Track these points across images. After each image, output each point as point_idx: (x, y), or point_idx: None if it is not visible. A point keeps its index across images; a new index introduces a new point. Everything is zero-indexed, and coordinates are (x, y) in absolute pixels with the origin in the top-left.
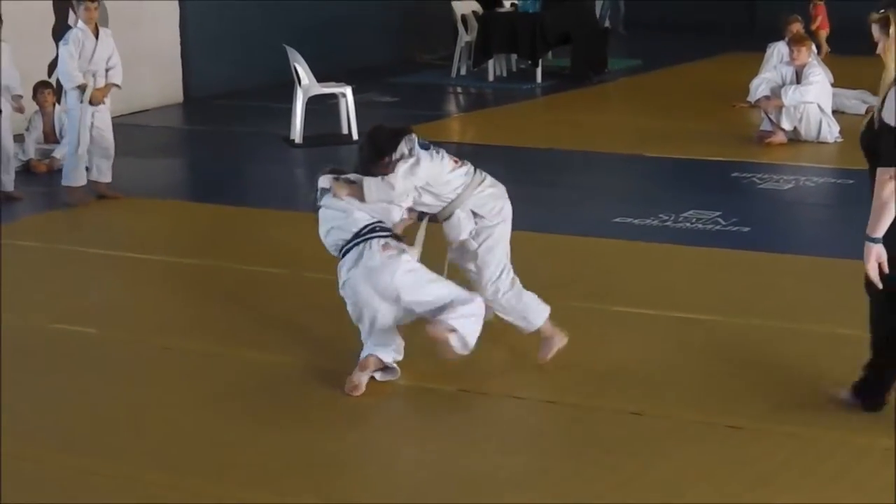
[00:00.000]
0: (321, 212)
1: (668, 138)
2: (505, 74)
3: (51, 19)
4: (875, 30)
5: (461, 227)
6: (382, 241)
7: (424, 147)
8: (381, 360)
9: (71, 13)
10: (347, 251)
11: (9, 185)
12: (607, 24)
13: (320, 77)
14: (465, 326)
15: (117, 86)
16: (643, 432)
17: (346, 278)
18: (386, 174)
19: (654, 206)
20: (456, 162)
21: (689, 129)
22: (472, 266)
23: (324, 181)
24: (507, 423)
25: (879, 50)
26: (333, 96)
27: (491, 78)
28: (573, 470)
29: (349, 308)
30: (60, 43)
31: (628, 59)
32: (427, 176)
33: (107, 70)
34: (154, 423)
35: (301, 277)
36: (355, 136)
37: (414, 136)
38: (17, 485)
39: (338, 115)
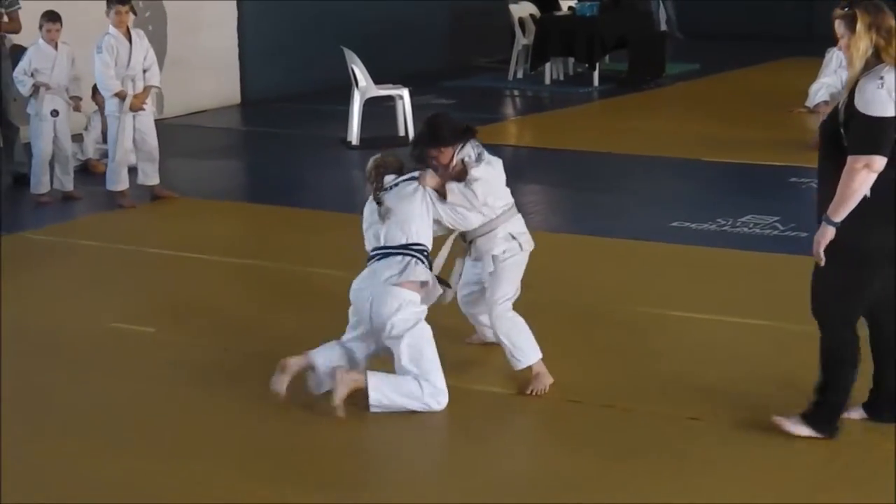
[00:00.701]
0: (371, 205)
1: (726, 143)
2: (562, 78)
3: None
4: (839, 26)
5: (496, 244)
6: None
7: (484, 157)
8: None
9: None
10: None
11: (68, 184)
12: (664, 27)
13: (377, 80)
14: (387, 401)
15: (156, 87)
16: (701, 438)
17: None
18: (438, 165)
19: (711, 211)
20: None
21: (746, 134)
22: (485, 282)
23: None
24: (564, 426)
25: (841, 45)
26: (390, 98)
27: (548, 81)
28: (630, 475)
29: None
30: (94, 51)
31: (685, 64)
32: (488, 191)
33: (143, 71)
34: (212, 424)
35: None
36: (412, 138)
37: (478, 140)
38: (76, 483)
39: (395, 118)
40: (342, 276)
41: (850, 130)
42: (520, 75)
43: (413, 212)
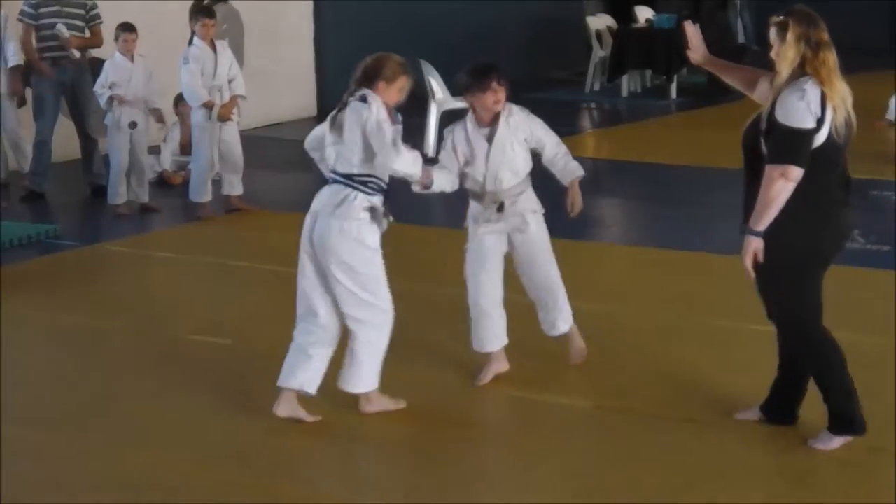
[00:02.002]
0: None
1: None
2: (639, 90)
3: (188, 32)
4: (772, 33)
5: (535, 202)
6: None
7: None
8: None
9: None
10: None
11: (143, 196)
12: (742, 40)
13: (453, 92)
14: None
15: (242, 97)
16: (781, 452)
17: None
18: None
19: None
20: None
21: None
22: (519, 248)
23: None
24: (643, 441)
25: (773, 53)
26: (467, 111)
27: (625, 94)
28: (709, 490)
29: None
30: (181, 62)
31: None
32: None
33: (228, 82)
34: (292, 434)
35: (434, 292)
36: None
37: None
38: (152, 496)
39: None
40: (418, 288)
41: (769, 140)
42: (597, 88)
43: (354, 136)
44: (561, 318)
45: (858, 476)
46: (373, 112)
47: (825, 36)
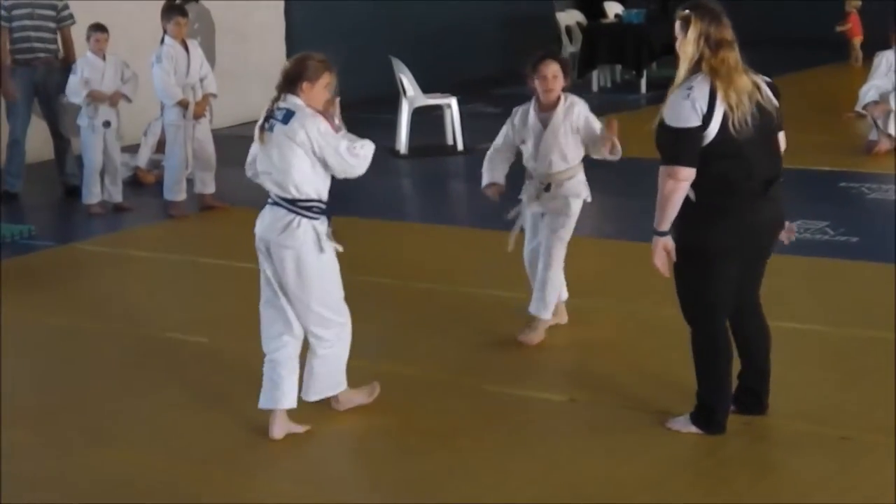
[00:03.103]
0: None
1: None
2: (609, 85)
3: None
4: (676, 27)
5: (583, 188)
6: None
7: None
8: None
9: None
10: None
11: (116, 195)
12: None
13: (425, 89)
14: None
15: (214, 95)
16: (755, 443)
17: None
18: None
19: None
20: None
21: (796, 140)
22: (550, 224)
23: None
24: (618, 433)
25: (677, 47)
26: (438, 108)
27: (595, 89)
28: (685, 481)
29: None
30: (153, 62)
31: None
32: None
33: (200, 81)
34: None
35: (408, 288)
36: (460, 147)
37: None
38: (129, 495)
39: (443, 127)
40: (392, 284)
41: (657, 140)
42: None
43: (288, 155)
44: (534, 300)
45: (831, 465)
46: (311, 132)
47: (728, 34)
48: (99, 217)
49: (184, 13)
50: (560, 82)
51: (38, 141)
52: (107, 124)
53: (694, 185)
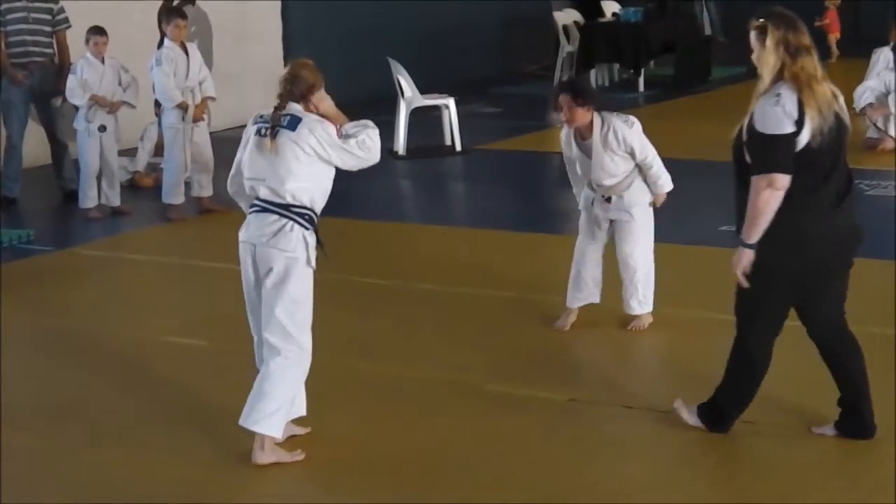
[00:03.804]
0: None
1: None
2: (607, 84)
3: (156, 35)
4: (752, 37)
5: (644, 194)
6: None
7: None
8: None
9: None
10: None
11: (114, 199)
12: (709, 31)
13: (423, 89)
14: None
15: (212, 98)
16: (758, 442)
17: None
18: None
19: None
20: None
21: None
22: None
23: None
24: (618, 432)
25: (754, 58)
26: (436, 108)
27: (593, 88)
28: (687, 479)
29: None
30: (152, 64)
31: (731, 68)
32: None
33: (199, 84)
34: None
35: (407, 288)
36: (459, 148)
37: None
38: (128, 497)
39: (441, 127)
40: (391, 284)
41: (750, 150)
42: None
43: (292, 162)
44: (634, 299)
45: (831, 463)
46: (321, 138)
47: (805, 40)
48: (97, 221)
49: (183, 16)
50: (579, 110)
51: (35, 145)
52: (102, 128)
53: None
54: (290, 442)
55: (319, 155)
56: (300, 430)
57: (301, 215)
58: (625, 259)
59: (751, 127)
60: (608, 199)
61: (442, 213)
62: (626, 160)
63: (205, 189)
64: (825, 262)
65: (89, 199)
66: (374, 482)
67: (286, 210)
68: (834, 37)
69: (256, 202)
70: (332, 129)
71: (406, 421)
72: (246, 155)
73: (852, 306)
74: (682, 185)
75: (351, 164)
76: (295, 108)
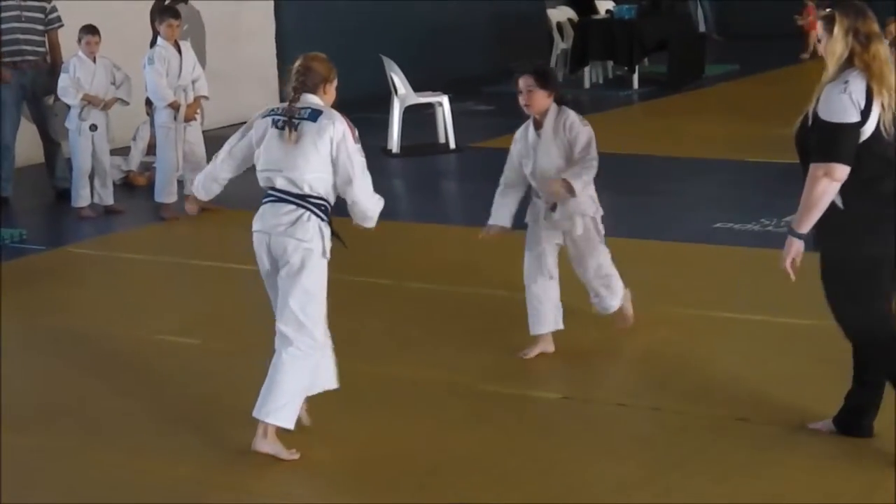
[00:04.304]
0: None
1: (768, 143)
2: (601, 81)
3: (148, 33)
4: (819, 27)
5: (588, 205)
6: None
7: None
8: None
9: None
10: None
11: (107, 198)
12: (703, 29)
13: (416, 87)
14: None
15: (205, 97)
16: (750, 439)
17: None
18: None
19: (755, 212)
20: None
21: (788, 134)
22: (571, 250)
23: None
24: (613, 430)
25: (821, 49)
26: (430, 106)
27: (587, 85)
28: (680, 478)
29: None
30: (145, 63)
31: (725, 65)
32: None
33: (192, 82)
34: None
35: (402, 287)
36: (452, 146)
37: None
38: (124, 496)
39: (435, 125)
40: (385, 283)
41: (812, 137)
42: (559, 79)
43: (311, 153)
44: (614, 300)
45: (829, 462)
46: (337, 133)
47: (875, 27)
48: (90, 220)
49: (176, 15)
50: (539, 95)
51: (27, 144)
52: (93, 128)
53: (840, 191)
54: (288, 440)
55: (331, 151)
56: (305, 418)
57: (317, 206)
58: (590, 278)
59: (815, 114)
60: (553, 208)
61: (435, 211)
62: (565, 155)
63: None
64: (889, 253)
65: (82, 197)
66: (372, 482)
67: (303, 200)
68: (815, 33)
69: (271, 192)
70: (349, 130)
71: (401, 420)
72: (261, 147)
73: None
74: (676, 183)
75: (342, 177)
76: (312, 99)
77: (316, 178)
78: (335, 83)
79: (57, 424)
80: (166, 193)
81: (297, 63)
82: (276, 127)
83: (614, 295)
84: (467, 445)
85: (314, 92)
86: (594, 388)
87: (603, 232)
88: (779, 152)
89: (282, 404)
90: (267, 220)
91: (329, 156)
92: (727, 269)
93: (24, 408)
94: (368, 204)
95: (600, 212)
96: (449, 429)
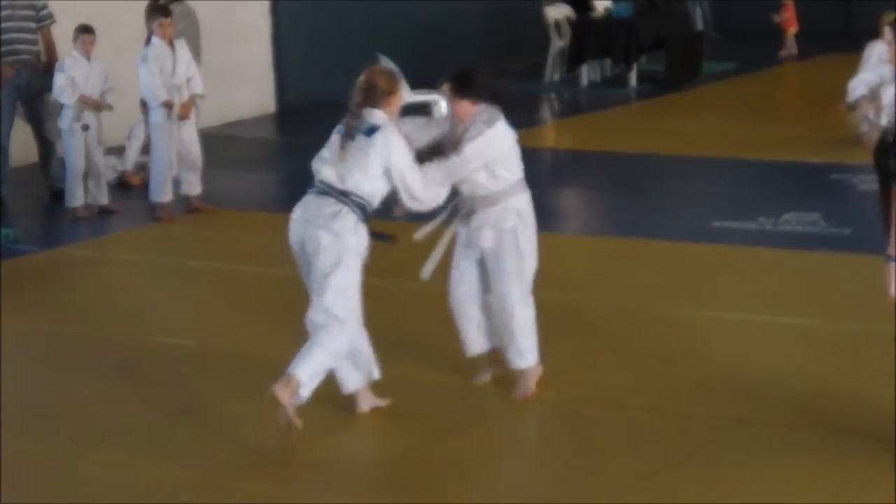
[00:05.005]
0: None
1: (765, 141)
2: (598, 80)
3: (142, 32)
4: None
5: (504, 217)
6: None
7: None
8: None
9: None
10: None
11: (102, 198)
12: (700, 27)
13: (413, 85)
14: (309, 382)
15: (200, 95)
16: (747, 439)
17: None
18: (451, 114)
19: (753, 210)
20: None
21: (786, 132)
22: (489, 265)
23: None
24: (609, 430)
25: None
26: (426, 105)
27: (584, 83)
28: (677, 478)
29: None
30: (139, 62)
31: (723, 63)
32: (501, 151)
33: (187, 81)
34: (256, 435)
35: (398, 288)
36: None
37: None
38: (118, 498)
39: None
40: (382, 284)
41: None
42: (556, 78)
43: (363, 161)
44: (515, 352)
45: (826, 460)
46: (392, 148)
47: None
48: (84, 220)
49: (167, 13)
50: (459, 104)
51: (21, 144)
52: (86, 128)
53: None
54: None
55: (382, 162)
56: (381, 402)
57: (358, 205)
58: (499, 302)
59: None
60: (469, 214)
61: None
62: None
63: (193, 187)
64: None
65: (75, 198)
66: (371, 482)
67: (345, 196)
68: (792, 31)
69: (318, 184)
70: (403, 144)
71: (398, 421)
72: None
73: (850, 305)
74: (673, 182)
75: (410, 184)
76: (377, 114)
77: (363, 178)
78: (399, 94)
79: (51, 426)
80: (161, 193)
81: (361, 78)
82: (339, 133)
83: (518, 349)
84: (463, 445)
85: (376, 106)
86: (591, 389)
87: (531, 271)
88: (776, 150)
89: (310, 373)
90: (308, 210)
91: (381, 168)
92: (724, 268)
93: (17, 410)
94: (423, 195)
95: (527, 225)
96: (447, 429)
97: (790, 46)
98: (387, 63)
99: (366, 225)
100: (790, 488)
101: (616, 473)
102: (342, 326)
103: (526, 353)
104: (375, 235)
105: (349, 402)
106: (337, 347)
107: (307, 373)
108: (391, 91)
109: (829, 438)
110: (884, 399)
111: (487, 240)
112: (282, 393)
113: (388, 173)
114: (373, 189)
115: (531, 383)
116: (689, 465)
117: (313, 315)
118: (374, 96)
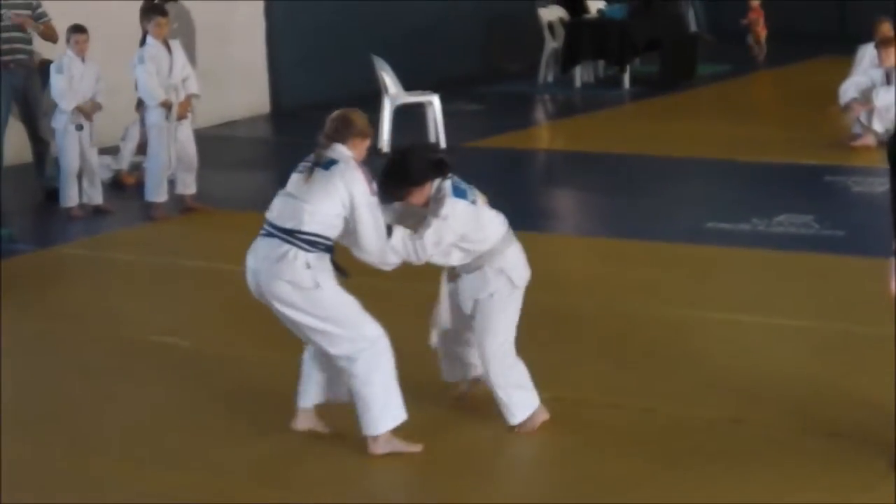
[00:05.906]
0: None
1: (759, 143)
2: (592, 81)
3: (137, 32)
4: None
5: (482, 286)
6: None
7: (460, 192)
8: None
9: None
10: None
11: (96, 197)
12: (694, 29)
13: (407, 86)
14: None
15: (196, 95)
16: (743, 441)
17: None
18: (413, 205)
19: (746, 211)
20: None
21: (779, 134)
22: (469, 332)
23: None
24: (605, 431)
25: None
26: (420, 105)
27: (578, 85)
28: (672, 479)
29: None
30: (135, 62)
31: (716, 65)
32: (463, 230)
33: (182, 81)
34: (251, 436)
35: (396, 288)
36: (443, 145)
37: (450, 180)
38: (113, 499)
39: (425, 124)
40: (379, 284)
41: None
42: (550, 79)
43: (319, 192)
44: (509, 411)
45: (822, 461)
46: (351, 187)
47: None
48: (79, 220)
49: (163, 13)
50: (412, 193)
51: (15, 143)
52: (79, 127)
53: None
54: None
55: (343, 201)
56: (321, 427)
57: (306, 241)
58: (483, 372)
59: None
60: (455, 277)
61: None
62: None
63: (188, 187)
64: None
65: (70, 198)
66: (371, 482)
67: (290, 236)
68: (759, 34)
69: (266, 226)
70: (366, 185)
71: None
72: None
73: (846, 305)
74: (667, 184)
75: (366, 231)
76: (341, 150)
77: (315, 211)
78: (367, 141)
79: (45, 426)
80: (157, 193)
81: (335, 113)
82: (298, 171)
83: (512, 403)
84: (464, 445)
85: (344, 143)
86: (586, 390)
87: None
88: (769, 152)
89: (377, 414)
90: (257, 259)
91: (341, 200)
92: (718, 269)
93: (11, 410)
94: (372, 253)
95: (518, 285)
96: (441, 429)
97: (754, 49)
98: (381, 65)
99: (326, 254)
100: (787, 489)
101: (612, 474)
102: (363, 341)
103: (515, 412)
104: (334, 265)
105: (346, 408)
106: (378, 365)
107: (381, 419)
108: (364, 134)
109: (826, 439)
110: (881, 400)
111: (468, 308)
112: (380, 449)
113: (347, 209)
114: (326, 224)
115: (533, 426)
116: (686, 467)
117: (329, 350)
118: (345, 133)
